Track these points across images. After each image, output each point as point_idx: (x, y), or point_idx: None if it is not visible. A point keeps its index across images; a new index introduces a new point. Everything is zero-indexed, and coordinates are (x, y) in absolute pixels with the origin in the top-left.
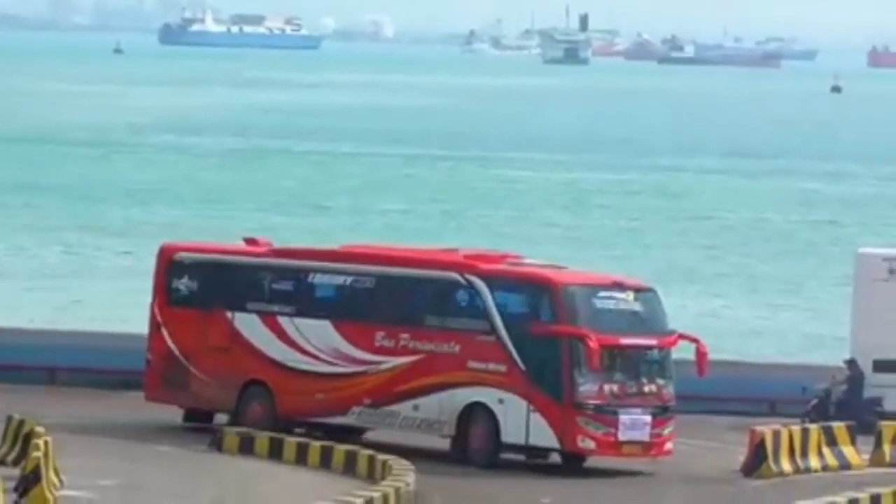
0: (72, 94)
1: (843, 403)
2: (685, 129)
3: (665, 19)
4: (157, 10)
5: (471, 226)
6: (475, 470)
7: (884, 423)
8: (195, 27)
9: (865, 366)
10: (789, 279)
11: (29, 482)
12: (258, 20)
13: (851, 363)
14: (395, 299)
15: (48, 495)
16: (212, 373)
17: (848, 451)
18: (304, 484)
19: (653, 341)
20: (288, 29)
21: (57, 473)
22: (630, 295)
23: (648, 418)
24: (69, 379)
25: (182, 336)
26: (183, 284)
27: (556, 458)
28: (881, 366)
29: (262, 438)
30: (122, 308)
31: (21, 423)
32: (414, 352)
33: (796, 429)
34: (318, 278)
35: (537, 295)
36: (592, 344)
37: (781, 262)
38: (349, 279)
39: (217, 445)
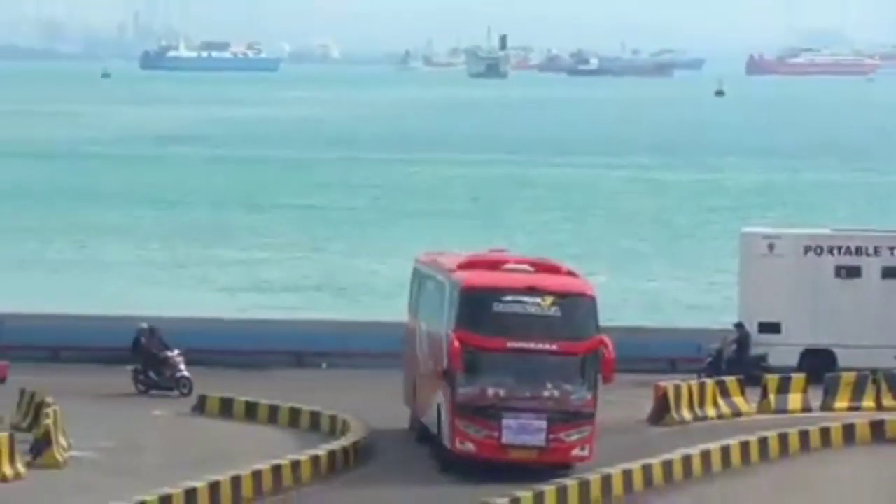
0: (69, 114)
1: (733, 360)
2: (592, 131)
3: (572, 36)
4: (137, 40)
5: (402, 219)
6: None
7: (769, 376)
8: (171, 53)
9: (751, 328)
10: (679, 257)
11: (41, 445)
12: (224, 46)
13: (739, 326)
14: (436, 303)
15: (58, 456)
16: (409, 380)
17: (739, 401)
18: (275, 440)
19: (552, 346)
20: (250, 53)
21: (65, 437)
22: (547, 300)
23: (543, 423)
24: (71, 356)
25: (409, 346)
26: (412, 294)
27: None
28: (765, 327)
29: (240, 402)
30: (109, 294)
31: (33, 394)
32: (436, 355)
33: (694, 383)
34: (426, 285)
35: (450, 296)
36: (454, 345)
37: (672, 243)
38: (429, 285)
39: (200, 409)
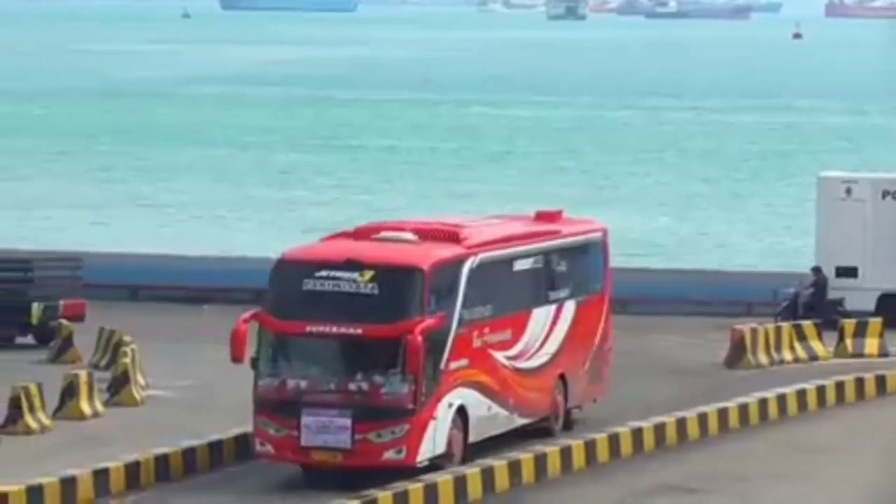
0: (151, 53)
1: (810, 304)
2: (670, 73)
3: None
4: None
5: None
6: None
7: (845, 320)
8: None
9: (828, 272)
10: (756, 200)
11: (119, 384)
12: None
13: (817, 270)
14: None
15: (136, 395)
16: None
17: (815, 345)
18: None
19: (357, 330)
20: None
21: (143, 376)
22: (365, 275)
23: (347, 421)
24: (149, 295)
25: None
26: None
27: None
28: (842, 271)
29: None
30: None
31: (112, 332)
32: None
33: (771, 327)
34: None
35: None
36: (237, 329)
37: (750, 186)
38: None
39: None
